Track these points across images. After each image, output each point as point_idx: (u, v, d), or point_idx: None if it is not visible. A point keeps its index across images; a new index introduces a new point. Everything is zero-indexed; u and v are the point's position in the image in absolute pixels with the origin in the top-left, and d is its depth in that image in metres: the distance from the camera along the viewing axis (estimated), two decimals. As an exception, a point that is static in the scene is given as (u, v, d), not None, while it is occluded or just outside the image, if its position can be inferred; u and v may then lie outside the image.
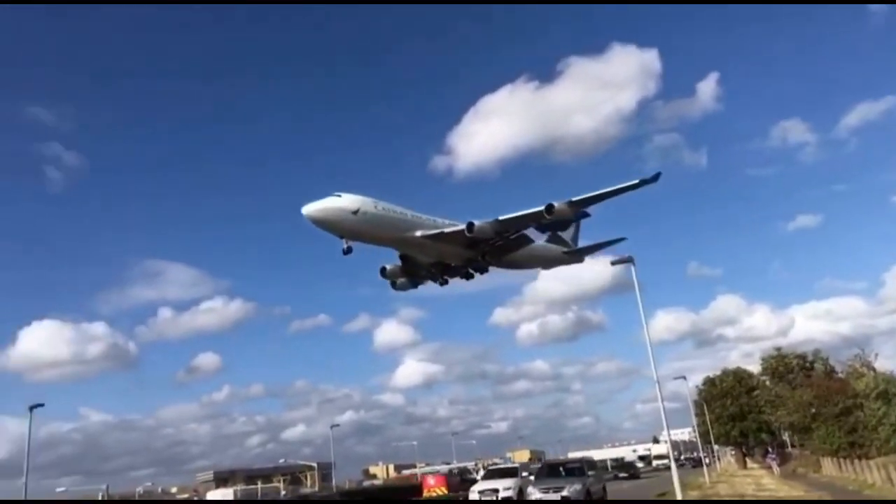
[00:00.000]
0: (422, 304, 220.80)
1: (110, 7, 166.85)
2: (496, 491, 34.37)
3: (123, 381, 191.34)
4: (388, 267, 39.31)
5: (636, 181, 32.28)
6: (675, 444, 61.63)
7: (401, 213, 34.73)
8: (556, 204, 33.16)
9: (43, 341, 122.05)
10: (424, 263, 38.88)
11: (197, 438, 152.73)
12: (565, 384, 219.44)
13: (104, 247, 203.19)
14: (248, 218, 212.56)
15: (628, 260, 26.84)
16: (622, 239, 43.76)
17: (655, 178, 32.37)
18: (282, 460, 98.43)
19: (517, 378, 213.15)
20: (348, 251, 32.28)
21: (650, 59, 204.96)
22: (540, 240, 42.13)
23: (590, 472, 32.48)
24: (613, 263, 28.00)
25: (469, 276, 40.51)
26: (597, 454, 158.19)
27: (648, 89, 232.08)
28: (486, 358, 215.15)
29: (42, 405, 39.49)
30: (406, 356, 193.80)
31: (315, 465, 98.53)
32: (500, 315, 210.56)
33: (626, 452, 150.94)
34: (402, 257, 38.40)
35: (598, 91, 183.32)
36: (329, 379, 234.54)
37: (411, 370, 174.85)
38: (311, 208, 30.83)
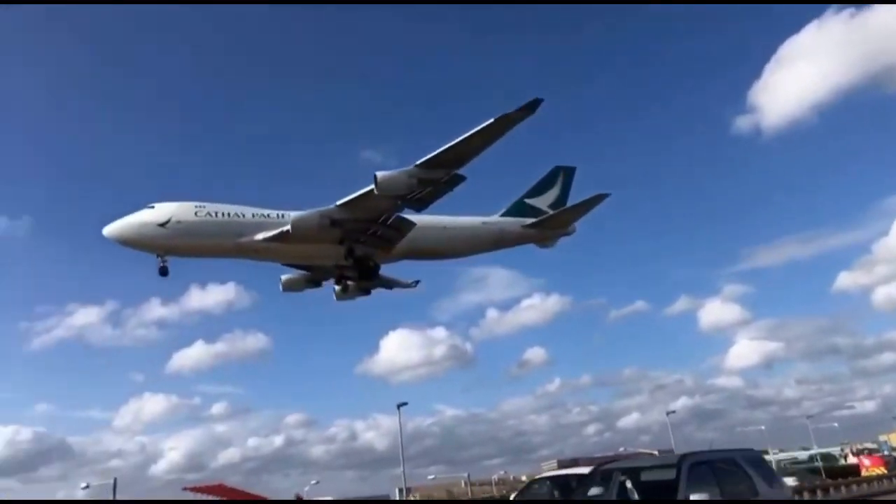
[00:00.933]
0: (747, 279, 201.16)
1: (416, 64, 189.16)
2: None
3: (466, 378, 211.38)
4: (284, 278, 33.97)
5: (499, 115, 24.17)
6: None
7: (234, 215, 28.73)
8: (378, 174, 25.55)
9: (399, 348, 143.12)
10: (329, 266, 32.81)
11: (537, 429, 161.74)
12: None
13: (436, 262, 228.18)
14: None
15: None
16: (605, 195, 34.79)
17: (532, 105, 24.05)
18: (621, 448, 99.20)
19: (880, 350, 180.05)
20: (163, 272, 27.57)
21: None
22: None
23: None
24: None
25: (366, 278, 32.57)
26: None
27: None
28: (835, 330, 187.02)
29: (406, 403, 46.47)
30: (737, 335, 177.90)
31: (656, 452, 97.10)
32: (846, 280, 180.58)
33: None
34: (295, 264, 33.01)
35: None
36: (657, 365, 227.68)
37: (746, 350, 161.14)
38: (110, 229, 27.38)
